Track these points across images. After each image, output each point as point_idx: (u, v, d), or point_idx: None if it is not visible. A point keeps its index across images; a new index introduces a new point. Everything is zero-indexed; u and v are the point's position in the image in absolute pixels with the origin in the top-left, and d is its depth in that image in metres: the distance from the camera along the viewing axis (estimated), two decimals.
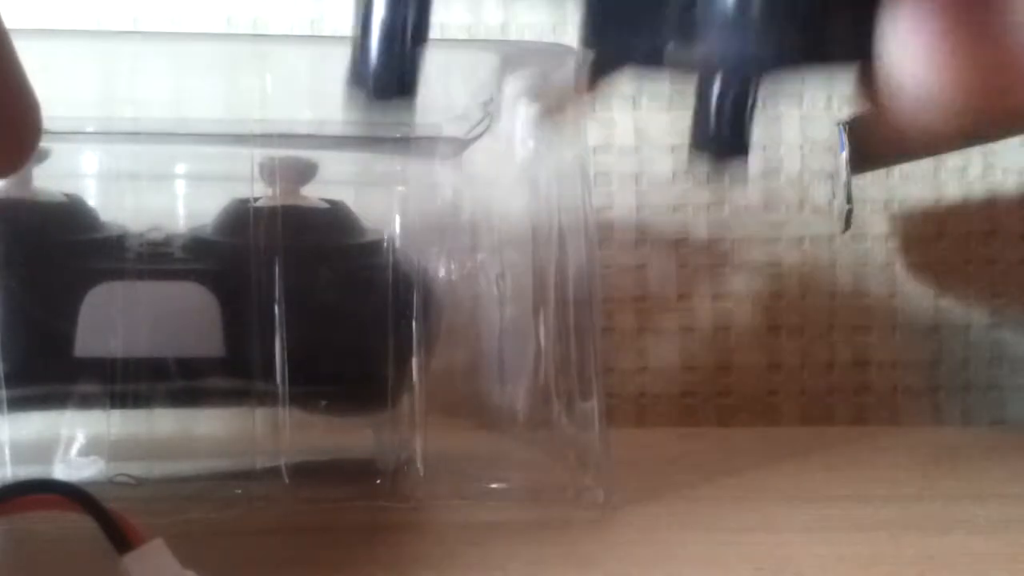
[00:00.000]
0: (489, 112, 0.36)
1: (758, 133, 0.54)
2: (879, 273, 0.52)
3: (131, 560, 0.24)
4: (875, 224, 0.51)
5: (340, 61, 0.35)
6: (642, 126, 0.51)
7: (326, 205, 0.36)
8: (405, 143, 0.36)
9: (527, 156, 0.36)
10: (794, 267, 0.51)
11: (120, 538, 0.24)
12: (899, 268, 0.52)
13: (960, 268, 0.52)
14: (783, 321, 0.52)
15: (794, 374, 0.51)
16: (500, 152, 0.37)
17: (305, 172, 0.35)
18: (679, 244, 0.52)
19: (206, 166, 0.37)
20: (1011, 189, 0.52)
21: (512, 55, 0.37)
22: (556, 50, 0.39)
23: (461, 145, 0.37)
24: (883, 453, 0.42)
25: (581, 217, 0.36)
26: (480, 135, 0.37)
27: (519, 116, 0.37)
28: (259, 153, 0.35)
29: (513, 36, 0.51)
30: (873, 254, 0.52)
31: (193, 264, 0.34)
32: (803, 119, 0.51)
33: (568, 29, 0.51)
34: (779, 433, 0.49)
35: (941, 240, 0.52)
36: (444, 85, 0.37)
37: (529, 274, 0.36)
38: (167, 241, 0.35)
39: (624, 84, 0.51)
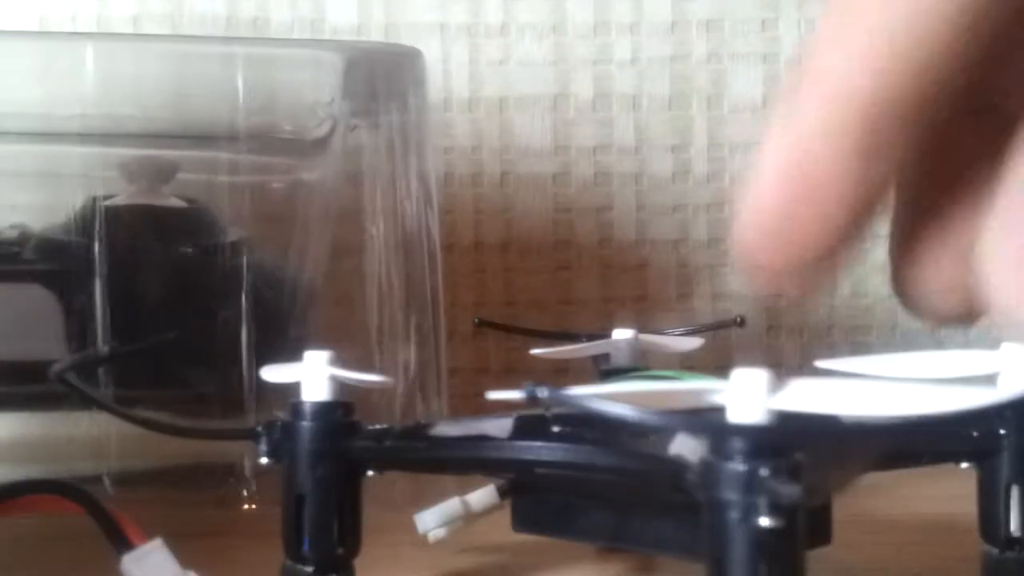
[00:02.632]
0: (331, 114, 0.35)
1: (758, 133, 0.54)
2: (879, 273, 0.51)
3: (131, 560, 0.24)
4: (875, 224, 0.51)
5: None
6: (642, 126, 0.51)
7: (183, 204, 0.35)
8: (241, 142, 0.35)
9: (369, 161, 0.36)
10: None
11: (120, 538, 0.24)
12: None
13: None
14: (783, 321, 0.52)
15: (794, 374, 0.51)
16: (343, 156, 0.36)
17: (165, 171, 0.35)
18: (679, 244, 0.52)
19: (69, 165, 0.36)
20: None
21: (357, 56, 0.36)
22: (402, 51, 0.37)
23: (308, 146, 0.36)
24: None
25: (423, 223, 0.35)
26: (326, 136, 0.36)
27: (361, 119, 0.36)
28: (115, 153, 0.34)
29: (513, 36, 0.51)
30: (873, 254, 0.51)
31: (38, 265, 0.33)
32: None
33: (568, 29, 0.51)
34: None
35: None
36: (283, 85, 0.36)
37: (378, 280, 0.36)
38: (19, 241, 0.34)
39: (624, 84, 0.52)
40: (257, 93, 0.35)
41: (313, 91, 0.36)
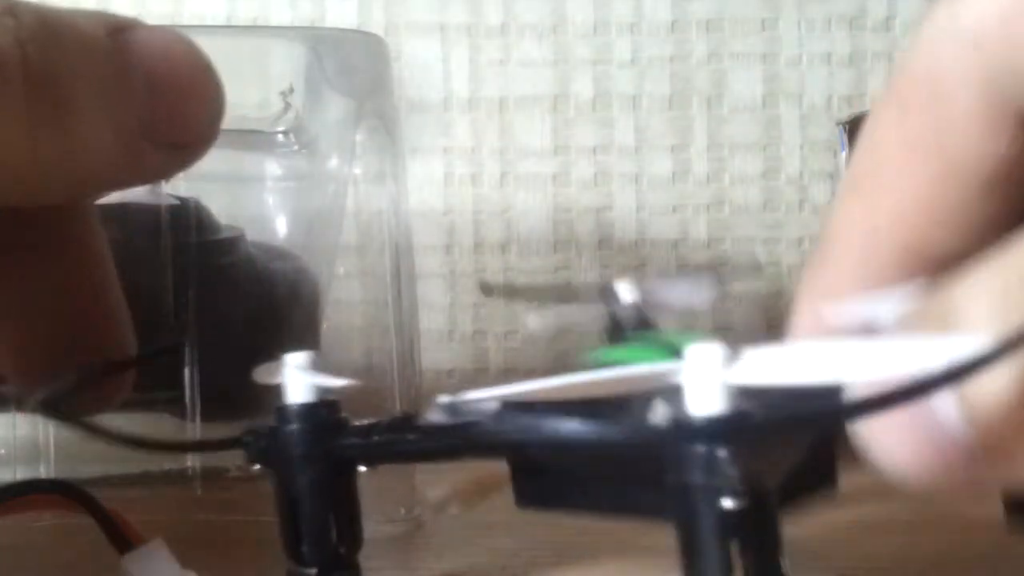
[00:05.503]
0: (289, 103, 0.35)
1: (758, 133, 0.54)
2: None
3: (131, 560, 0.24)
4: None
5: None
6: (642, 126, 0.51)
7: (175, 201, 0.34)
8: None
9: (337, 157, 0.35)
10: (794, 267, 0.51)
11: (120, 538, 0.24)
12: None
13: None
14: (783, 321, 0.51)
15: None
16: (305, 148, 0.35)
17: None
18: (679, 244, 0.52)
19: None
20: None
21: (318, 43, 0.35)
22: (364, 38, 0.36)
23: (269, 139, 0.35)
24: None
25: (391, 220, 0.35)
26: (291, 127, 0.35)
27: (322, 108, 0.35)
28: None
29: (513, 36, 0.51)
30: None
31: None
32: (803, 119, 0.51)
33: (568, 29, 0.51)
34: None
35: None
36: (242, 74, 0.35)
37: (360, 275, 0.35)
38: None
39: (624, 84, 0.52)
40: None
41: (270, 80, 0.35)
